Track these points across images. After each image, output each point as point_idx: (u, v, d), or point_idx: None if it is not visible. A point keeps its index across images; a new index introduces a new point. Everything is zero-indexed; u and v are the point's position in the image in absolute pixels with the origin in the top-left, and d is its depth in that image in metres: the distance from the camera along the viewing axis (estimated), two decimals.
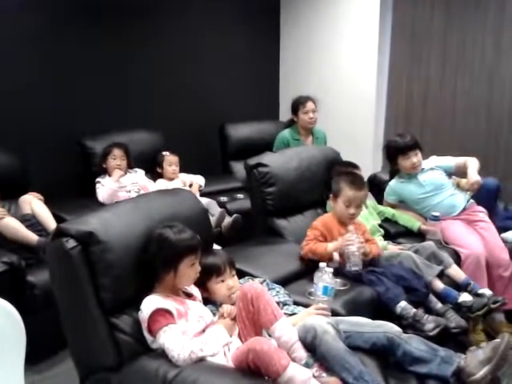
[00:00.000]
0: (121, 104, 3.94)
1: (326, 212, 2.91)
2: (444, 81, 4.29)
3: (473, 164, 3.00)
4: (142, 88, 4.07)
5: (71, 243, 1.67)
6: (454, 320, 2.25)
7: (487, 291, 2.44)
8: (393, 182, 3.14)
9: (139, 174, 3.61)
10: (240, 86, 4.77)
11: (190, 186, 3.73)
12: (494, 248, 2.77)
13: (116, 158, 3.47)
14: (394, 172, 3.16)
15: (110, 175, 3.45)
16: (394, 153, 3.05)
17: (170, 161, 3.70)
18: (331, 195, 2.57)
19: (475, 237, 2.80)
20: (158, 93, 4.17)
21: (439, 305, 2.32)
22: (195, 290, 1.90)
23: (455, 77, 4.22)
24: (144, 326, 1.69)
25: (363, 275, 2.35)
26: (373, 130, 4.58)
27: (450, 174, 3.10)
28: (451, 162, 3.09)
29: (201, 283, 1.90)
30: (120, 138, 3.63)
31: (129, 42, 3.97)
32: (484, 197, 3.04)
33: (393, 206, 3.15)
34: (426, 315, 2.17)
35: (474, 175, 2.93)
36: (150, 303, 1.67)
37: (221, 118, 4.46)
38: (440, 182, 3.02)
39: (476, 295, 2.41)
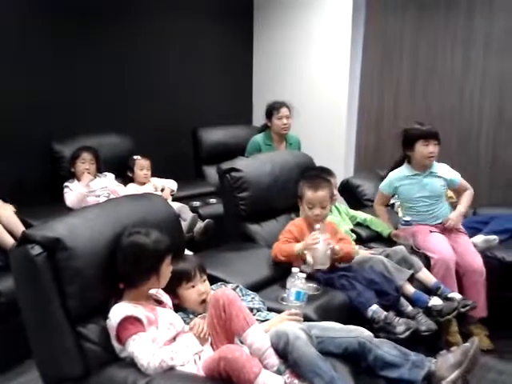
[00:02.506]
0: (91, 107, 3.87)
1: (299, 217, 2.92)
2: (414, 90, 4.36)
3: (467, 201, 2.97)
4: (112, 91, 4.01)
5: (36, 250, 1.62)
6: (425, 323, 2.27)
7: (457, 295, 2.47)
8: (394, 175, 3.02)
9: (109, 179, 3.54)
10: (213, 90, 4.75)
11: (162, 190, 3.70)
12: (467, 254, 2.78)
13: (85, 162, 3.40)
14: (400, 163, 3.06)
15: (78, 179, 3.38)
16: (413, 137, 2.90)
17: (142, 165, 3.65)
18: (299, 201, 2.60)
19: (445, 242, 2.82)
20: (129, 96, 4.11)
21: (410, 308, 2.35)
22: (165, 297, 1.86)
23: (426, 86, 4.30)
24: (112, 334, 1.65)
25: (335, 280, 2.36)
26: (344, 136, 4.62)
27: (451, 189, 3.04)
28: (459, 178, 3.00)
29: (171, 289, 1.87)
30: (90, 142, 3.56)
31: (100, 45, 3.91)
32: None
33: (385, 198, 3.10)
34: (397, 318, 2.19)
35: (456, 216, 2.91)
36: (119, 311, 1.63)
37: (193, 122, 4.43)
38: (438, 192, 2.95)
39: (446, 299, 2.44)
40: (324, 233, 2.39)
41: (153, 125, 4.23)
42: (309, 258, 2.39)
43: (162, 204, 2.11)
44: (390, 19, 4.38)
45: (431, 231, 2.88)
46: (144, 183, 3.65)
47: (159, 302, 1.81)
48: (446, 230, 2.92)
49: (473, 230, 3.04)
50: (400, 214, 3.17)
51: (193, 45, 4.55)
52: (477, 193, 4.07)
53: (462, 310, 2.40)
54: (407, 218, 2.94)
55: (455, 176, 3.00)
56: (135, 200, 2.10)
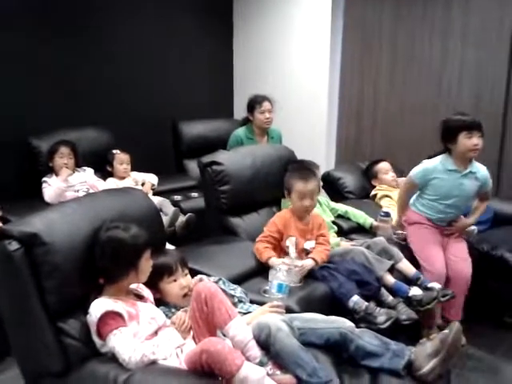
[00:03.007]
0: (69, 101, 3.81)
1: (280, 210, 2.92)
2: (393, 81, 4.39)
3: (479, 213, 2.86)
4: (91, 85, 3.95)
5: (14, 245, 1.60)
6: (405, 312, 2.30)
7: (436, 285, 2.49)
8: (433, 163, 2.73)
9: (88, 173, 3.50)
10: (193, 84, 4.72)
11: (143, 184, 3.67)
12: (460, 261, 2.71)
13: (63, 157, 3.35)
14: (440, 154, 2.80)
15: (57, 174, 3.33)
16: (455, 128, 2.65)
17: (121, 159, 3.61)
18: (286, 192, 2.60)
19: (440, 254, 2.71)
20: (108, 89, 4.06)
21: (390, 298, 2.38)
22: (146, 292, 1.85)
23: (404, 76, 4.32)
24: (93, 329, 1.64)
25: (316, 271, 2.38)
26: (325, 129, 4.63)
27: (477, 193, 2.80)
28: (490, 185, 2.80)
29: (153, 284, 1.86)
30: (68, 136, 3.50)
31: (79, 39, 3.85)
32: None
33: (414, 188, 2.82)
34: (378, 308, 2.22)
35: (462, 228, 2.83)
36: (100, 306, 1.62)
37: (174, 116, 4.40)
38: (469, 196, 2.76)
39: (426, 289, 2.46)
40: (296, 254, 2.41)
41: (132, 118, 4.18)
42: (292, 252, 2.41)
43: (142, 198, 2.09)
44: (368, 9, 4.39)
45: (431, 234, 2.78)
46: (124, 178, 3.61)
47: (140, 297, 1.80)
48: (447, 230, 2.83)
49: None
50: (384, 208, 3.18)
51: (173, 38, 4.50)
52: None
53: (442, 299, 2.43)
54: (386, 210, 2.96)
55: (489, 182, 2.79)
56: (114, 194, 2.08)
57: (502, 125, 3.86)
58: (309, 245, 2.49)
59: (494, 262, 2.91)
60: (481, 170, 2.76)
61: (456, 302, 2.64)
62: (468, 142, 2.62)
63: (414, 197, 2.86)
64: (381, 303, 2.33)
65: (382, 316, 2.17)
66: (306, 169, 2.70)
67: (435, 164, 2.73)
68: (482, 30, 3.88)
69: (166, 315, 1.81)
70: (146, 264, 1.74)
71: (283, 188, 2.64)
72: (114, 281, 1.70)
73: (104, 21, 4.01)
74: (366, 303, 2.22)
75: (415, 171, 2.77)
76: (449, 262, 2.70)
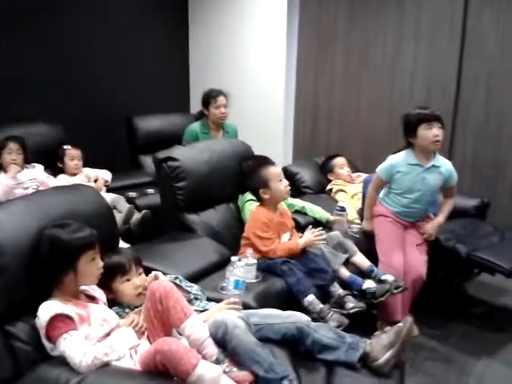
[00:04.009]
0: (17, 94, 3.66)
1: (237, 206, 2.92)
2: (348, 77, 4.45)
3: (447, 211, 2.85)
4: (40, 77, 3.82)
5: None
6: (352, 301, 2.35)
7: (390, 277, 2.53)
8: (396, 158, 2.77)
9: (37, 170, 3.38)
10: (149, 78, 4.64)
11: (95, 181, 3.58)
12: (417, 262, 2.71)
13: (12, 153, 3.23)
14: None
15: (5, 171, 3.21)
16: (415, 121, 2.68)
17: (72, 155, 3.51)
18: (261, 190, 2.54)
19: (399, 250, 2.71)
20: (58, 82, 3.93)
21: (340, 290, 2.40)
22: (98, 292, 1.80)
23: (359, 72, 4.39)
24: (42, 332, 1.58)
25: (277, 265, 2.38)
26: (282, 124, 4.66)
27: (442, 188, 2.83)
28: (455, 180, 2.80)
29: (105, 284, 1.82)
30: (16, 131, 3.37)
31: (28, 29, 3.70)
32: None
33: (381, 183, 2.83)
34: (331, 313, 2.22)
35: (434, 229, 2.82)
36: (48, 309, 1.56)
37: (129, 110, 4.31)
38: (434, 190, 2.77)
39: (379, 281, 2.51)
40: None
41: (85, 113, 4.07)
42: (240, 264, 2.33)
43: (92, 195, 2.03)
44: (323, 7, 4.44)
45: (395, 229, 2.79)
46: (75, 174, 3.52)
47: (92, 298, 1.75)
48: (413, 227, 2.83)
49: None
50: (339, 202, 3.21)
51: (128, 32, 4.41)
52: None
53: (395, 291, 2.47)
54: (341, 205, 2.99)
55: (454, 176, 2.79)
56: (64, 192, 2.01)
57: (452, 120, 3.99)
58: (286, 237, 2.54)
59: (445, 253, 2.97)
60: (445, 164, 2.78)
61: (404, 301, 2.66)
62: (428, 133, 2.66)
63: (384, 191, 2.89)
64: (332, 295, 2.37)
65: (333, 322, 2.16)
66: (262, 158, 2.78)
67: (399, 159, 2.76)
68: (433, 27, 3.98)
69: (120, 315, 1.77)
70: (89, 266, 1.67)
71: (241, 184, 2.64)
72: (55, 282, 1.64)
73: (56, 16, 3.88)
74: (321, 305, 2.22)
75: (381, 167, 2.80)
76: (406, 259, 2.70)
